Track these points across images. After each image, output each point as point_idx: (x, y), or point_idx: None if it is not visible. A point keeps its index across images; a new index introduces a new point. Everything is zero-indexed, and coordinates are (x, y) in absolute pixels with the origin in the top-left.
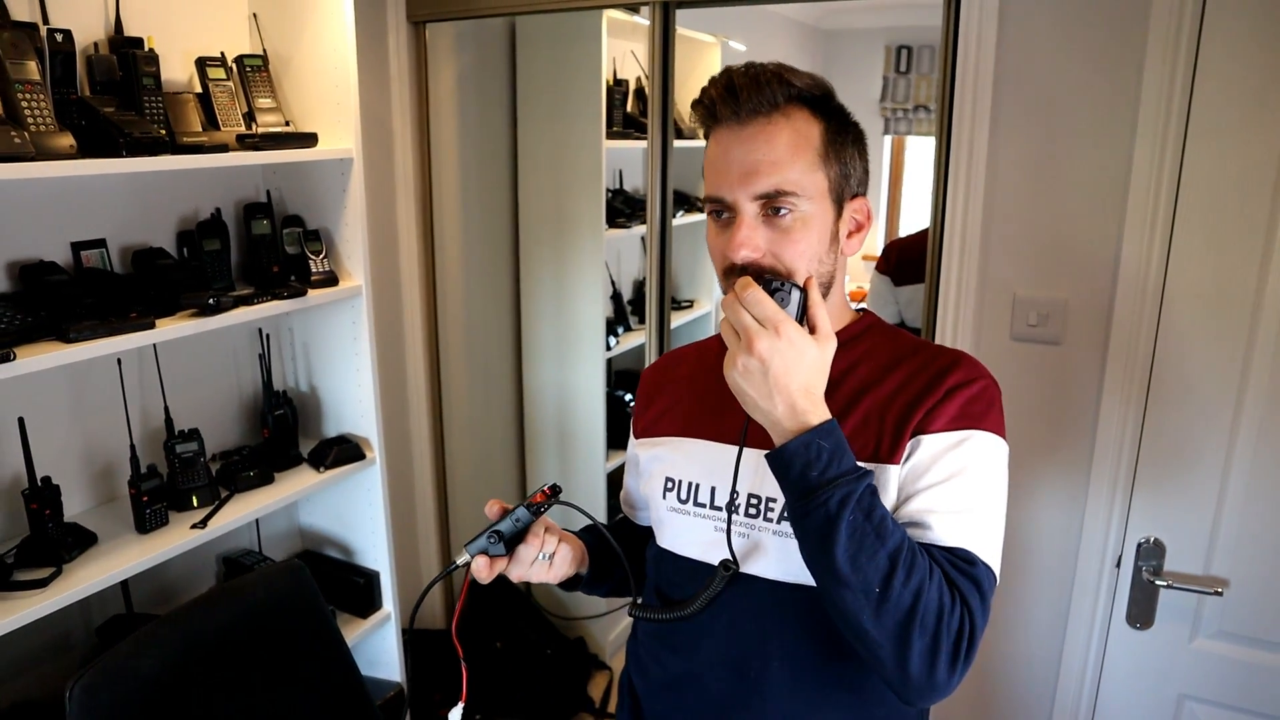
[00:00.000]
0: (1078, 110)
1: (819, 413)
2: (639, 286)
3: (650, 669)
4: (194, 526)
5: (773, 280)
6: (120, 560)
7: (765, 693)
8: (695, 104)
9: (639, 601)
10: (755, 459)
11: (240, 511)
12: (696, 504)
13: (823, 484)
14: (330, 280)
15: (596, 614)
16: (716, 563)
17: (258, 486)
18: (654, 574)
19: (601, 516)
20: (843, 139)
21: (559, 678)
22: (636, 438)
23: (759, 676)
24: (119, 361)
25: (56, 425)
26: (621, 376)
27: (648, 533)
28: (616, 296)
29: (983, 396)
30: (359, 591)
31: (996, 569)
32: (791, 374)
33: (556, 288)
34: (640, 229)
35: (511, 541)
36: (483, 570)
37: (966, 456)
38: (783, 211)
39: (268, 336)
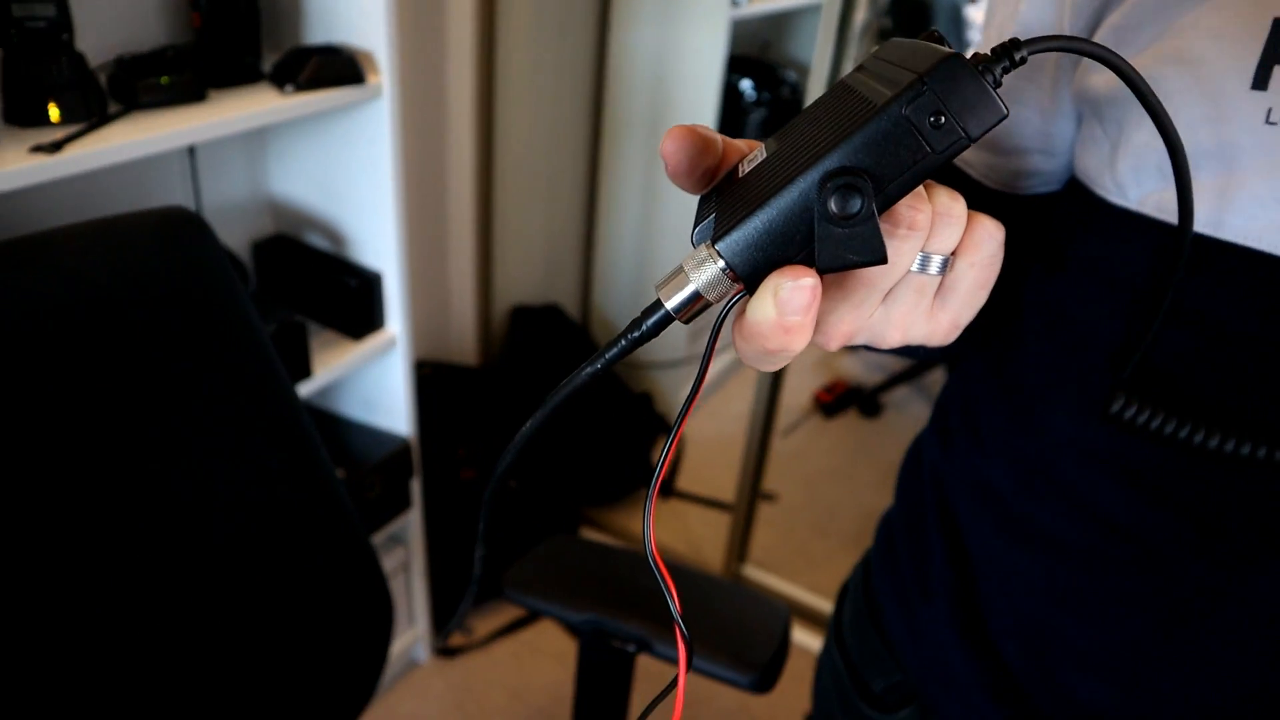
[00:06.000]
0: None
1: None
2: None
3: (1042, 520)
4: (36, 149)
5: None
6: None
7: None
8: None
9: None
10: None
11: (137, 135)
12: None
13: None
14: None
15: (670, 361)
16: None
17: (174, 103)
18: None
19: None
20: None
21: (616, 443)
22: None
23: None
24: None
25: None
26: (739, 63)
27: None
28: None
29: None
30: (350, 299)
31: None
32: None
33: None
34: None
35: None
36: (799, 305)
37: None
38: None
39: None
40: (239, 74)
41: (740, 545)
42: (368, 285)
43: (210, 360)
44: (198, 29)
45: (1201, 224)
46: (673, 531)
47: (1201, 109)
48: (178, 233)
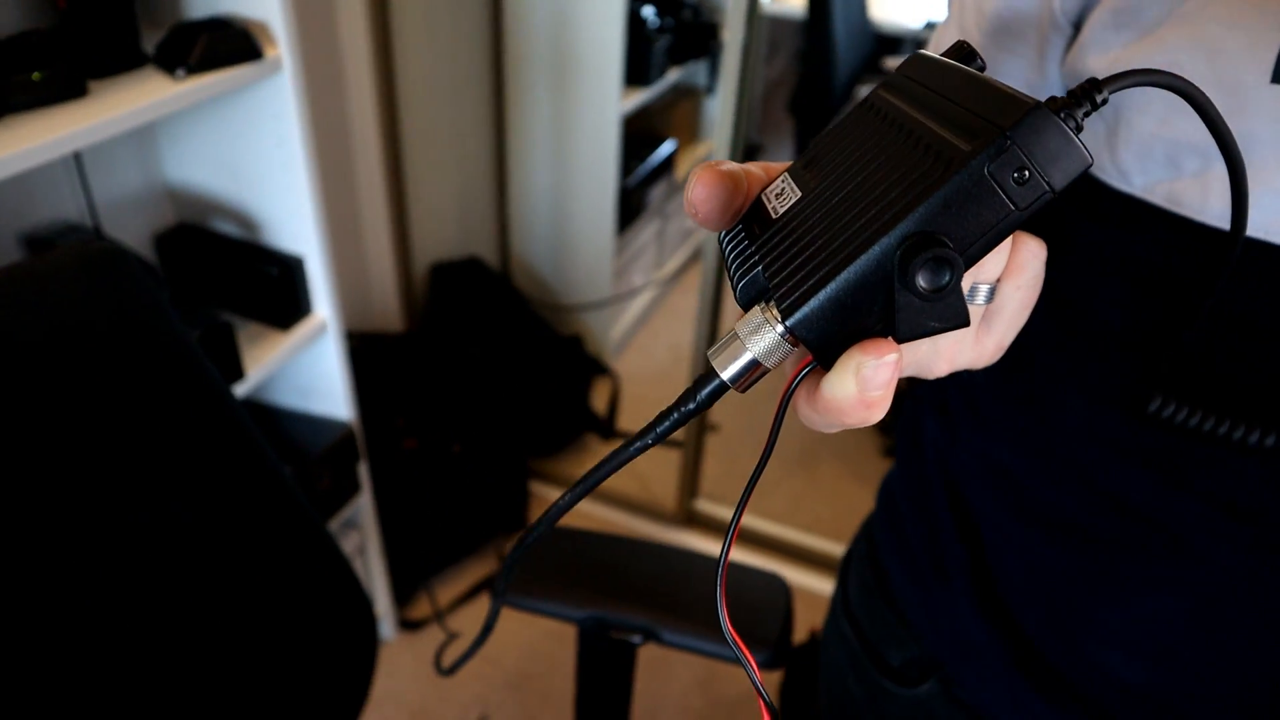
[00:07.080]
0: None
1: None
2: None
3: (1061, 504)
4: None
5: None
6: None
7: None
8: None
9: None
10: None
11: (13, 146)
12: None
13: None
14: None
15: (598, 301)
16: None
17: (49, 102)
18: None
19: (612, 177)
20: None
21: (553, 390)
22: None
23: None
24: None
25: None
26: None
27: None
28: None
29: None
30: (273, 288)
31: None
32: None
33: None
34: None
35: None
36: (883, 380)
37: None
38: None
39: None
40: (119, 60)
41: (691, 481)
42: (290, 272)
43: (148, 393)
44: (62, 10)
45: (1216, 217)
46: (621, 473)
47: (1217, 100)
48: (101, 271)
